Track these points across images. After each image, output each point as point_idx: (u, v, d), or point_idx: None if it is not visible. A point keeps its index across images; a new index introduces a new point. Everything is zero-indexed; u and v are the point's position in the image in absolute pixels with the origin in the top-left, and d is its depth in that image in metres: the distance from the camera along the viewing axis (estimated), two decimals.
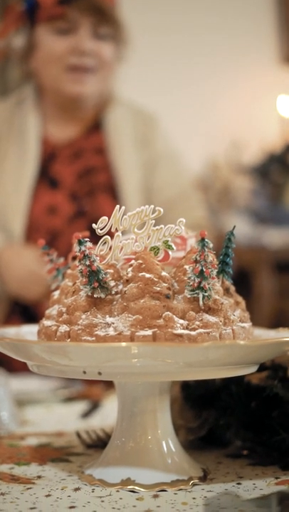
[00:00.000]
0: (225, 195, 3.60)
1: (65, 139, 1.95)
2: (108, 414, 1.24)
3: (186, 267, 0.84)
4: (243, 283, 3.16)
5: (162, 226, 0.85)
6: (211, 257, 0.82)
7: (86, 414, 1.26)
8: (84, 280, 0.82)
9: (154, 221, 0.85)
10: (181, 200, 1.97)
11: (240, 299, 0.92)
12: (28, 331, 0.98)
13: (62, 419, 1.23)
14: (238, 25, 4.00)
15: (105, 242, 0.84)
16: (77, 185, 1.90)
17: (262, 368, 0.97)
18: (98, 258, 0.83)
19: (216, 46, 3.95)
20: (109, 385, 1.42)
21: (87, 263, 0.81)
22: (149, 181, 1.96)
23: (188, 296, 0.82)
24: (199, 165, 3.67)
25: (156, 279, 0.82)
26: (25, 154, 1.88)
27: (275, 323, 1.22)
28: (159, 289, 0.81)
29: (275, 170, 3.52)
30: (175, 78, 3.79)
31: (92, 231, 0.85)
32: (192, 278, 0.81)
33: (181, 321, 0.81)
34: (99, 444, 1.02)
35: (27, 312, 1.83)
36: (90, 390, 1.44)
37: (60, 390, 1.42)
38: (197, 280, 0.81)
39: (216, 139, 3.78)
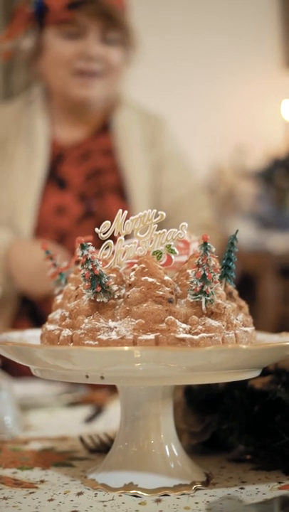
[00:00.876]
0: (229, 200, 3.60)
1: (73, 141, 1.96)
2: (112, 419, 1.24)
3: (189, 271, 0.84)
4: (247, 288, 3.17)
5: (165, 230, 0.85)
6: (214, 261, 0.82)
7: (90, 419, 1.26)
8: (86, 284, 0.82)
9: (156, 225, 0.85)
10: (189, 201, 1.98)
11: (243, 303, 0.92)
12: (32, 335, 0.98)
13: (66, 424, 1.23)
14: (242, 30, 4.00)
15: (108, 247, 0.85)
16: (85, 186, 1.90)
17: (265, 372, 0.97)
18: (101, 262, 0.83)
19: (220, 51, 3.95)
20: (113, 389, 1.42)
21: (90, 267, 0.81)
22: (157, 182, 1.97)
23: (191, 300, 0.82)
24: (204, 169, 3.67)
25: (158, 283, 0.82)
26: (34, 155, 1.89)
27: (279, 328, 1.22)
28: (161, 293, 0.81)
29: (279, 175, 3.52)
30: (179, 83, 3.80)
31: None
32: (195, 282, 0.81)
33: (184, 326, 0.81)
34: (102, 448, 1.02)
35: (35, 314, 1.83)
36: (94, 395, 1.44)
37: (64, 395, 1.42)
38: (200, 284, 0.81)
39: (220, 143, 3.78)
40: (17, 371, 1.48)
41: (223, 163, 3.73)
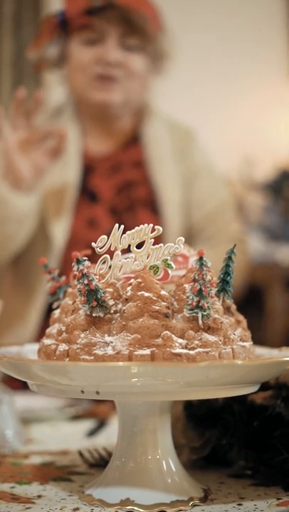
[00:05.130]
0: (237, 212, 3.59)
1: (103, 153, 1.96)
2: (114, 433, 1.22)
3: (186, 285, 0.84)
4: (255, 300, 3.16)
5: (161, 245, 0.84)
6: (210, 276, 0.81)
7: (92, 433, 1.25)
8: (82, 299, 0.82)
9: (153, 240, 0.84)
10: (219, 213, 1.98)
11: (241, 317, 0.91)
12: (31, 349, 0.97)
13: (68, 438, 1.22)
14: (249, 41, 4.01)
15: (105, 261, 0.84)
16: (116, 199, 1.90)
17: (266, 386, 0.97)
18: (97, 277, 0.83)
19: (227, 62, 3.96)
20: None
21: (86, 282, 0.81)
22: (188, 195, 1.96)
23: (188, 315, 0.82)
24: None
25: (155, 298, 0.82)
26: (66, 167, 1.88)
27: (287, 341, 1.21)
28: (158, 308, 0.81)
29: (287, 186, 3.51)
30: (185, 94, 3.80)
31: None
32: (191, 297, 0.81)
33: (180, 340, 0.80)
34: (101, 463, 1.02)
35: None
36: (97, 408, 1.43)
37: (67, 408, 1.41)
38: (196, 299, 0.80)
39: (228, 155, 3.77)
40: (19, 384, 1.48)
41: (231, 175, 3.72)
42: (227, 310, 0.88)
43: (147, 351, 0.79)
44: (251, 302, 2.40)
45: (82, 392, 0.80)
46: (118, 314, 0.83)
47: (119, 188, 1.91)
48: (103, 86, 1.86)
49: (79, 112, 1.97)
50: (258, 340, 1.05)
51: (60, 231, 1.83)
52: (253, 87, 4.01)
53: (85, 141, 1.95)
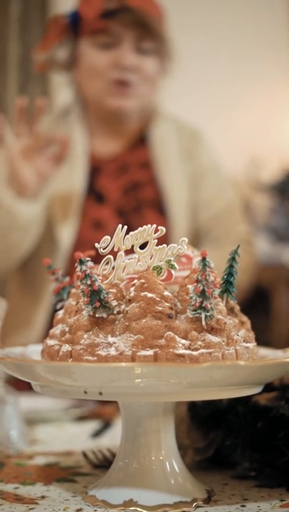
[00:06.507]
0: (244, 213, 3.58)
1: (110, 153, 1.96)
2: (119, 434, 1.22)
3: (189, 286, 0.84)
4: (261, 301, 3.15)
5: (165, 246, 0.84)
6: (213, 277, 0.81)
7: (97, 434, 1.25)
8: (86, 300, 0.82)
9: (156, 240, 0.84)
10: (227, 215, 1.98)
11: (245, 318, 0.91)
12: (34, 350, 0.98)
13: (73, 439, 1.22)
14: (256, 42, 4.00)
15: (108, 262, 0.84)
16: (123, 200, 1.90)
17: (270, 388, 0.96)
18: (100, 278, 0.83)
19: (234, 63, 3.95)
20: None
21: (89, 282, 0.81)
22: (195, 196, 1.96)
23: (191, 315, 0.82)
24: None
25: (158, 299, 0.81)
26: (73, 168, 1.88)
27: None
28: (161, 308, 0.81)
29: None
30: (194, 97, 3.80)
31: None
32: (194, 298, 0.81)
33: (183, 341, 0.80)
34: (105, 464, 1.02)
35: None
36: (103, 409, 1.43)
37: (72, 409, 1.41)
38: (199, 300, 0.80)
39: (235, 156, 3.77)
40: (24, 385, 1.48)
41: (237, 176, 3.72)
42: (230, 311, 0.88)
43: (150, 352, 0.79)
44: (257, 303, 2.39)
45: (86, 392, 0.79)
46: (121, 315, 0.83)
47: (126, 189, 1.91)
48: (119, 91, 1.85)
49: (86, 114, 1.97)
50: (264, 341, 1.05)
51: (66, 233, 1.83)
52: (260, 88, 4.01)
53: (92, 143, 1.96)
